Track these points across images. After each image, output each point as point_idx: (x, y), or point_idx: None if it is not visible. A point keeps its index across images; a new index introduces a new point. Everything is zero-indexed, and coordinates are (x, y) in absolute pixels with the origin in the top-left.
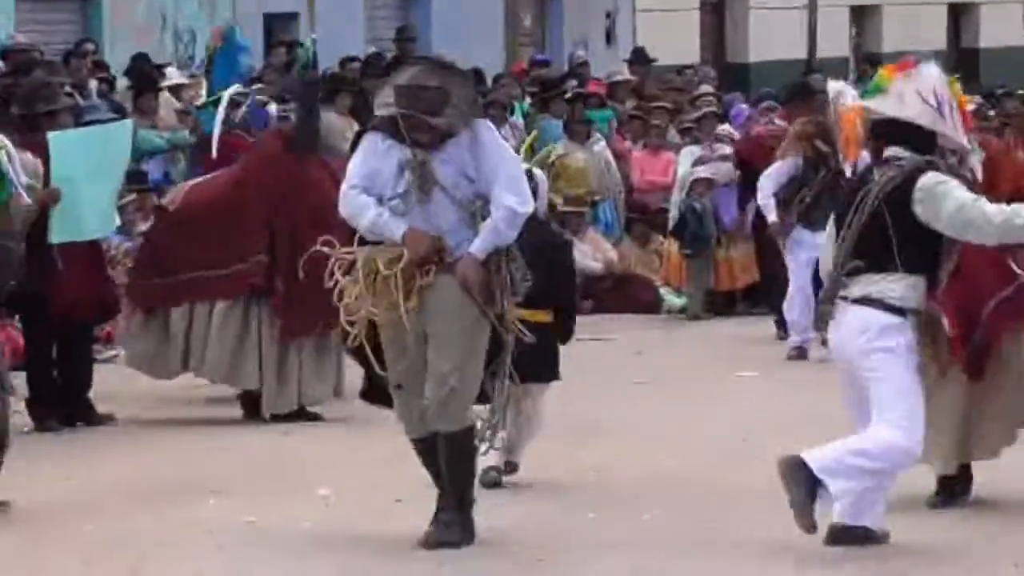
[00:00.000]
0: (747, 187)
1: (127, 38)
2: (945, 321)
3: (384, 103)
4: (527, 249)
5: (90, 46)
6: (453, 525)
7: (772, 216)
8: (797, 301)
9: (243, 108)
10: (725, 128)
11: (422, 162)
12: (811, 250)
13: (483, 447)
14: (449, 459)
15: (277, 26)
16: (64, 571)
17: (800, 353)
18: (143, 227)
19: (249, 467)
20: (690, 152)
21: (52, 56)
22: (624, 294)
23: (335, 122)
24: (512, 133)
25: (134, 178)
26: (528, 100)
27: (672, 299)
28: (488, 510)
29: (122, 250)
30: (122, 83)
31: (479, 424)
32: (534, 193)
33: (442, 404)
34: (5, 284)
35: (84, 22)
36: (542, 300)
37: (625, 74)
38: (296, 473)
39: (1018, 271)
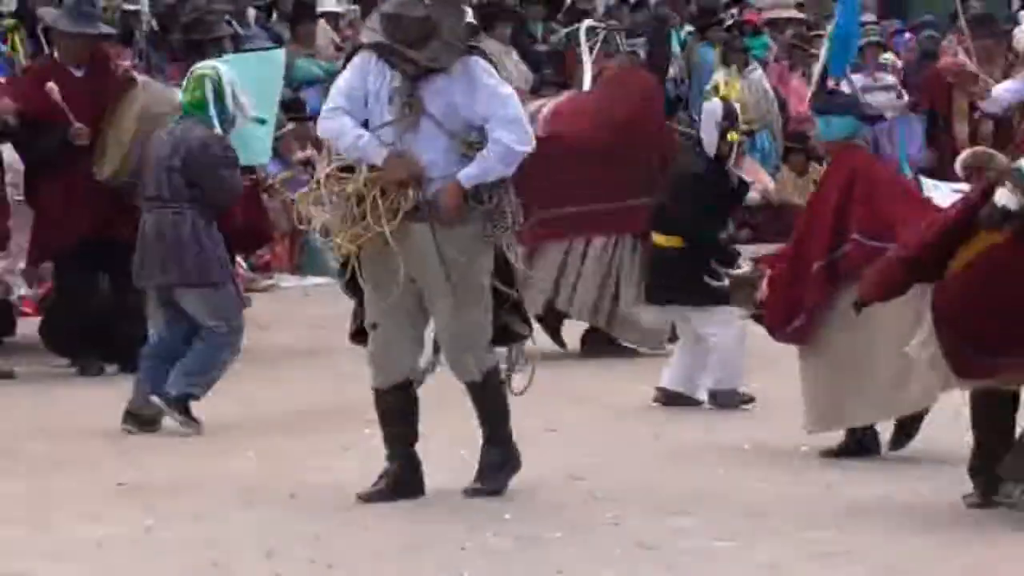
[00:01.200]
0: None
1: None
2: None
3: (370, 29)
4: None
5: None
6: (496, 469)
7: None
8: None
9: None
10: (888, 57)
11: (410, 92)
12: None
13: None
14: (480, 407)
15: None
16: (222, 499)
17: None
18: (300, 156)
19: None
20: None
21: None
22: (781, 223)
23: (492, 49)
24: (674, 63)
25: (292, 107)
26: (686, 28)
27: None
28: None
29: (279, 179)
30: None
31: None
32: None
33: (455, 358)
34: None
35: None
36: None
37: (791, 12)
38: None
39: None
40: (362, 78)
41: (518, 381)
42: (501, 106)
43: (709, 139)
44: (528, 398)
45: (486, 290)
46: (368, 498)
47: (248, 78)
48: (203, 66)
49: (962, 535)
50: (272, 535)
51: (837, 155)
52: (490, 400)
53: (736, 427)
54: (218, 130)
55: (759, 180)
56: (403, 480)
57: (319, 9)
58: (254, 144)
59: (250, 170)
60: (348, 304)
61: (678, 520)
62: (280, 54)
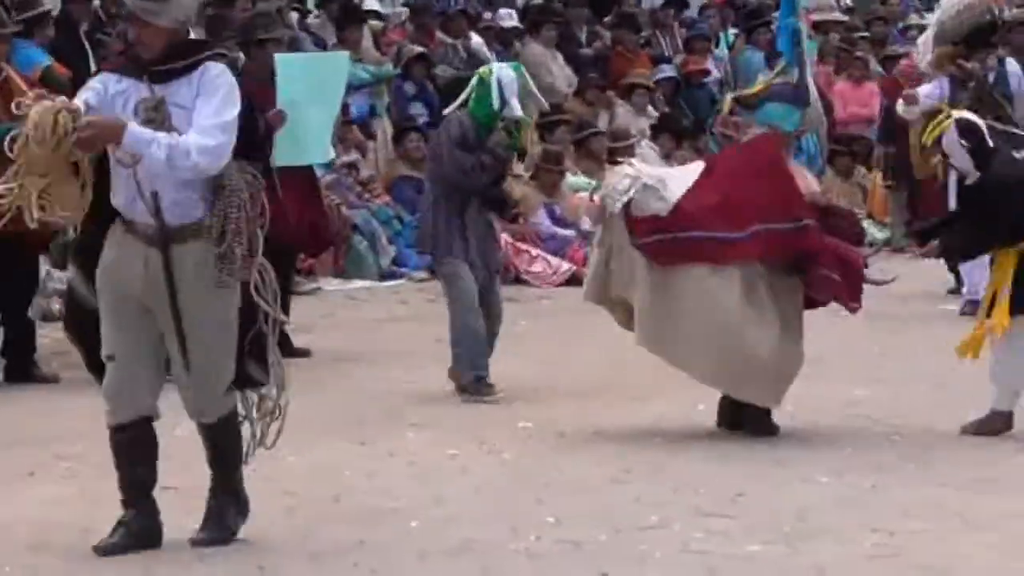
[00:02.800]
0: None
1: None
2: None
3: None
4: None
5: None
6: (223, 517)
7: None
8: None
9: None
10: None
11: (156, 105)
12: None
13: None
14: (211, 451)
15: None
16: (266, 503)
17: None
18: (345, 159)
19: (446, 400)
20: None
21: None
22: (827, 227)
23: (537, 52)
24: (717, 66)
25: None
26: (733, 31)
27: (875, 232)
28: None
29: (324, 182)
30: (315, 15)
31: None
32: None
33: (187, 395)
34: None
35: None
36: None
37: (836, 15)
38: (494, 405)
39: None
40: (99, 98)
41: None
42: (211, 106)
43: None
44: (574, 401)
45: (227, 329)
46: (105, 550)
47: (314, 78)
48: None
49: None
50: (316, 540)
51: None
52: (223, 446)
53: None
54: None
55: (805, 184)
56: (139, 529)
57: (368, 9)
58: (314, 143)
59: (309, 169)
60: (394, 308)
61: (721, 523)
62: (345, 57)
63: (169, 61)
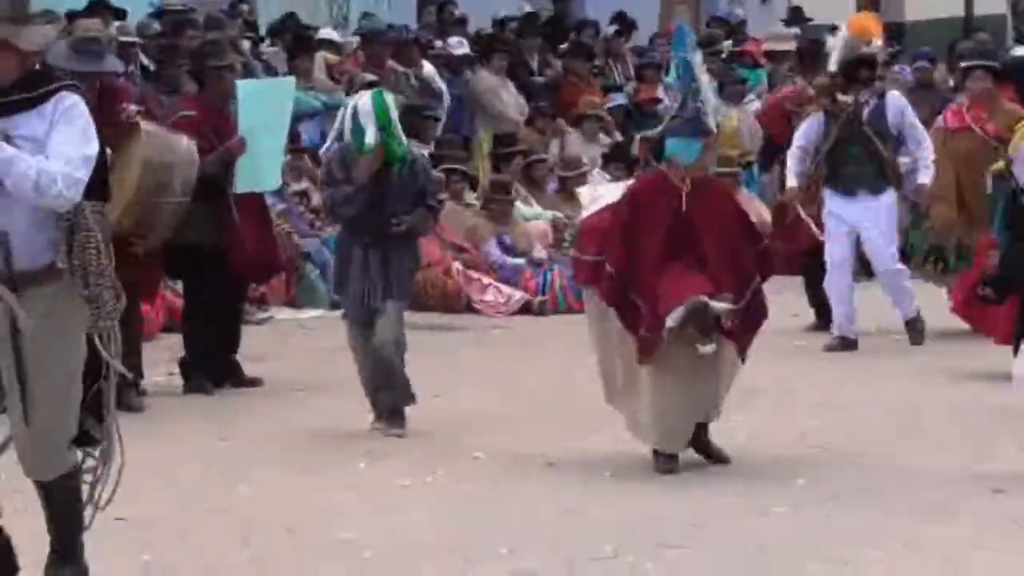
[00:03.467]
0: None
1: None
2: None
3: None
4: None
5: (244, 6)
6: None
7: (791, 180)
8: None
9: None
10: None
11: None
12: (842, 222)
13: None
14: (49, 512)
15: None
16: (219, 534)
17: (845, 344)
18: (296, 188)
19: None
20: None
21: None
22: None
23: (488, 81)
24: (667, 94)
25: (288, 139)
26: None
27: None
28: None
29: (276, 211)
30: (269, 43)
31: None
32: None
33: (24, 449)
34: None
35: None
36: None
37: (785, 45)
38: (447, 435)
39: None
40: None
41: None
42: (76, 146)
43: None
44: (527, 431)
45: (72, 381)
46: None
47: (261, 104)
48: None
49: None
50: (269, 572)
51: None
52: (62, 507)
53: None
54: None
55: (755, 213)
56: None
57: (317, 38)
58: (263, 170)
59: (259, 196)
60: (345, 338)
61: (676, 554)
62: (291, 82)
63: (16, 92)
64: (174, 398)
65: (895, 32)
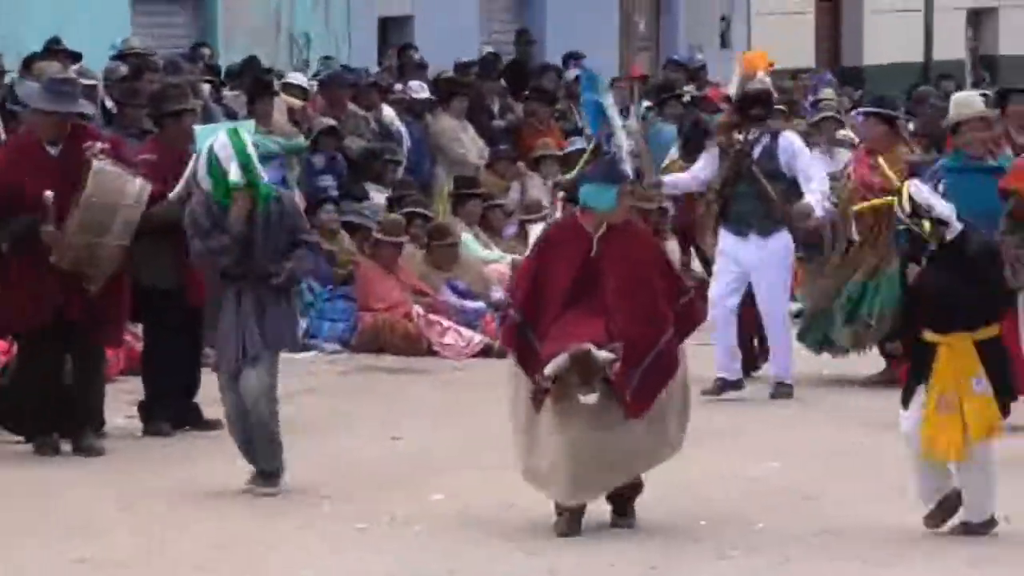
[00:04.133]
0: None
1: (241, 42)
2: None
3: None
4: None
5: (206, 50)
6: None
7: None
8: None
9: None
10: (845, 132)
11: None
12: (732, 261)
13: None
14: None
15: (392, 29)
16: (179, 572)
17: (725, 385)
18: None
19: (359, 472)
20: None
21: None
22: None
23: (448, 125)
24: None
25: None
26: (645, 104)
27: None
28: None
29: None
30: (229, 87)
31: None
32: None
33: None
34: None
35: (198, 25)
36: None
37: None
38: (407, 477)
39: None
40: None
41: None
42: None
43: None
44: (487, 473)
45: None
46: None
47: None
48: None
49: None
50: None
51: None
52: None
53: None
54: None
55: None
56: None
57: (283, 81)
58: None
59: None
60: (306, 380)
61: None
62: (251, 124)
63: None
64: (133, 440)
65: (853, 77)
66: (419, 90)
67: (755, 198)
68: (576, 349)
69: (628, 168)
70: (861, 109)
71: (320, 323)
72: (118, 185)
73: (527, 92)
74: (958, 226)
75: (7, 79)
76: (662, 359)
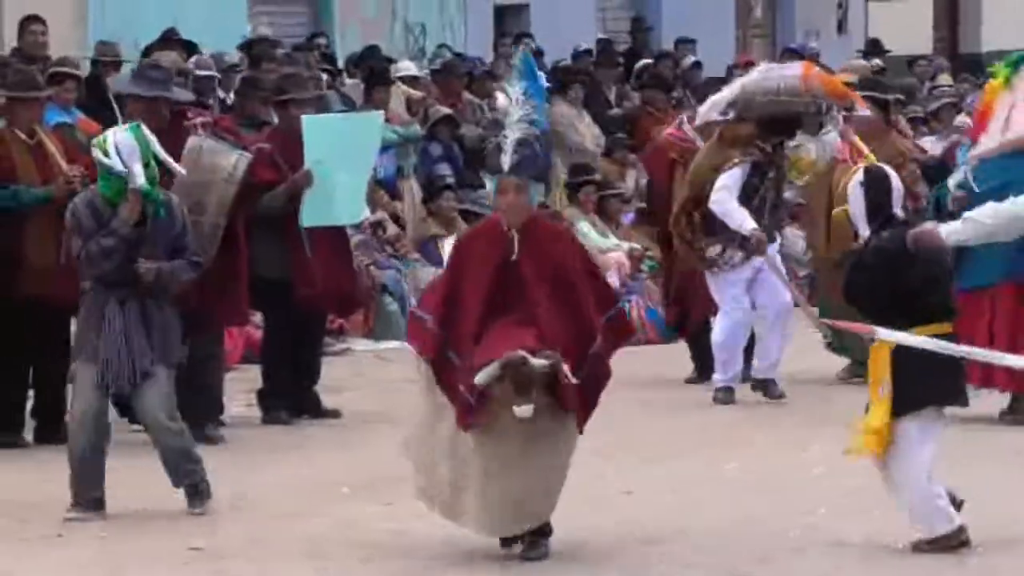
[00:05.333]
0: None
1: (357, 31)
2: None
3: None
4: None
5: (322, 40)
6: None
7: (750, 225)
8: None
9: None
10: (963, 119)
11: None
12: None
13: None
14: None
15: (507, 17)
16: (294, 565)
17: (728, 397)
18: (371, 218)
19: None
20: (931, 143)
21: (283, 50)
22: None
23: (564, 112)
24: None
25: None
26: None
27: None
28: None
29: (353, 243)
30: (348, 76)
31: None
32: None
33: None
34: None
35: (314, 15)
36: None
37: (851, 76)
38: None
39: None
40: None
41: None
42: None
43: None
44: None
45: None
46: None
47: (343, 139)
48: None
49: None
50: None
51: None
52: None
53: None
54: None
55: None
56: None
57: (398, 73)
58: (344, 204)
59: (340, 230)
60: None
61: None
62: (378, 117)
63: None
64: (252, 429)
65: (972, 63)
66: None
67: (774, 209)
68: (509, 356)
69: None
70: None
71: None
72: (211, 161)
73: (643, 79)
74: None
75: (125, 69)
76: (595, 374)
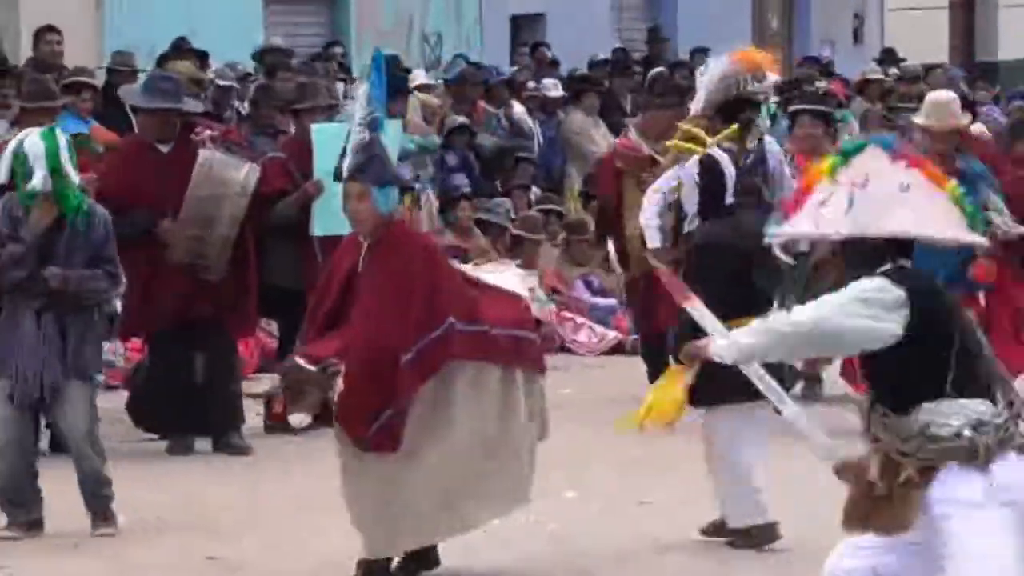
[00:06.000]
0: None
1: (373, 41)
2: None
3: None
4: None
5: (338, 49)
6: None
7: (655, 239)
8: None
9: None
10: (978, 127)
11: None
12: None
13: None
14: None
15: (524, 27)
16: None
17: None
18: None
19: None
20: None
21: (300, 59)
22: None
23: (580, 121)
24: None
25: None
26: (774, 100)
27: None
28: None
29: None
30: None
31: None
32: None
33: None
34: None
35: (331, 25)
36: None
37: (877, 72)
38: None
39: None
40: None
41: None
42: None
43: None
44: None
45: None
46: None
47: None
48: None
49: None
50: None
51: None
52: None
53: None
54: None
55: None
56: None
57: (414, 83)
58: None
59: None
60: None
61: None
62: (397, 124)
63: None
64: (267, 438)
65: (989, 72)
66: (552, 88)
67: None
68: (285, 364)
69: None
70: (797, 106)
71: None
72: (222, 175)
73: (656, 89)
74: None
75: (141, 79)
76: (402, 387)
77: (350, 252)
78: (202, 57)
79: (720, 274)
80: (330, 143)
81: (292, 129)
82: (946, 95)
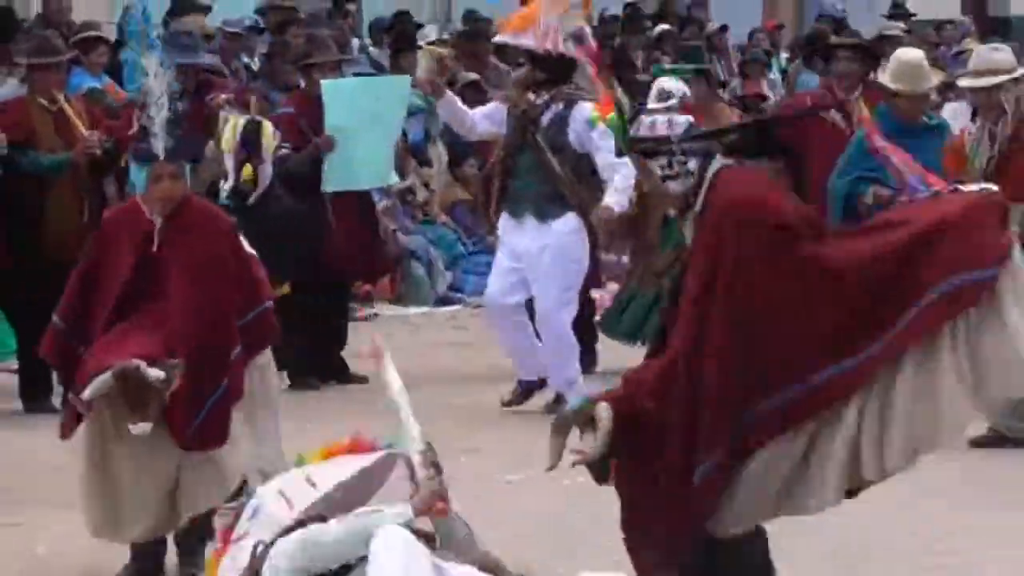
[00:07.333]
0: None
1: None
2: None
3: None
4: None
5: (351, 6)
6: None
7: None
8: None
9: None
10: None
11: None
12: (509, 250)
13: None
14: None
15: None
16: None
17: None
18: (400, 185)
19: (493, 426)
20: (953, 110)
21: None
22: None
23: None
24: (771, 90)
25: None
26: (786, 55)
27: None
28: None
29: (380, 207)
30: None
31: None
32: None
33: None
34: None
35: None
36: None
37: (895, 30)
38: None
39: None
40: None
41: None
42: None
43: None
44: None
45: None
46: None
47: (366, 103)
48: None
49: None
50: None
51: None
52: None
53: None
54: None
55: None
56: None
57: (424, 40)
58: (367, 168)
59: (365, 194)
60: (450, 334)
61: None
62: (405, 80)
63: None
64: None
65: (1002, 27)
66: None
67: (537, 173)
68: (122, 366)
69: (160, 146)
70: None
71: (466, 277)
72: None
73: (664, 48)
74: None
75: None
76: (233, 382)
77: (133, 231)
78: (207, 12)
79: None
80: (341, 98)
81: (302, 84)
82: (916, 55)
